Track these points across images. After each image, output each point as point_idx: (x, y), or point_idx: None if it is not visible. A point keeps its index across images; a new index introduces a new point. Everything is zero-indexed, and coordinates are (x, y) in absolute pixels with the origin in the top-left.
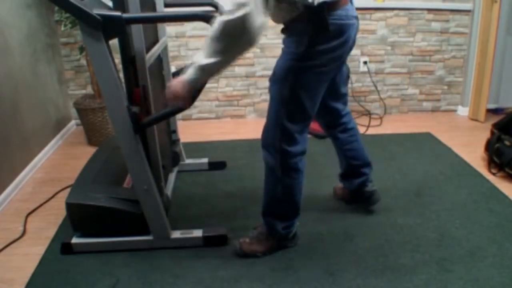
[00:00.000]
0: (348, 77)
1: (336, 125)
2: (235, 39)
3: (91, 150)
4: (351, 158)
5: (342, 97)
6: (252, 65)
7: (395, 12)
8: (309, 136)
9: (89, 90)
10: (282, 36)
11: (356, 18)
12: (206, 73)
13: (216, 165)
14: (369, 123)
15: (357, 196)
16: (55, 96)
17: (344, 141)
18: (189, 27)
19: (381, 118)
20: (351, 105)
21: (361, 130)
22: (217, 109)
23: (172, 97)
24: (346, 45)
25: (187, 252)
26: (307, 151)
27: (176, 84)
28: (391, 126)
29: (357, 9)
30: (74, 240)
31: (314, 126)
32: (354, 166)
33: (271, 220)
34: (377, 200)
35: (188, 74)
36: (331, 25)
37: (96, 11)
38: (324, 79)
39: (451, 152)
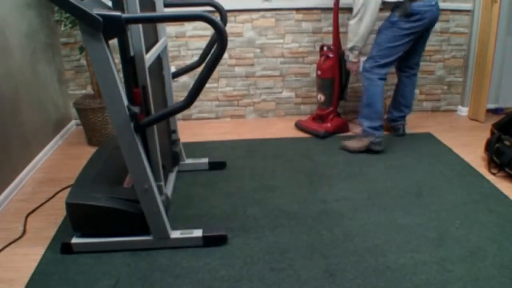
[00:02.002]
0: (348, 77)
1: (403, 70)
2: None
3: (91, 150)
4: (400, 95)
5: (413, 64)
6: (252, 65)
7: None
8: (309, 136)
9: (89, 90)
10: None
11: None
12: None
13: (216, 165)
14: None
15: (391, 124)
16: (55, 96)
17: (403, 82)
18: (189, 27)
19: None
20: (352, 104)
21: None
22: (217, 109)
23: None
24: (418, 22)
25: (187, 252)
26: (384, 79)
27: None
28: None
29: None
30: (74, 240)
31: (314, 126)
32: (399, 102)
33: (362, 120)
34: (401, 133)
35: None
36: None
37: (96, 11)
38: (401, 39)
39: (451, 152)
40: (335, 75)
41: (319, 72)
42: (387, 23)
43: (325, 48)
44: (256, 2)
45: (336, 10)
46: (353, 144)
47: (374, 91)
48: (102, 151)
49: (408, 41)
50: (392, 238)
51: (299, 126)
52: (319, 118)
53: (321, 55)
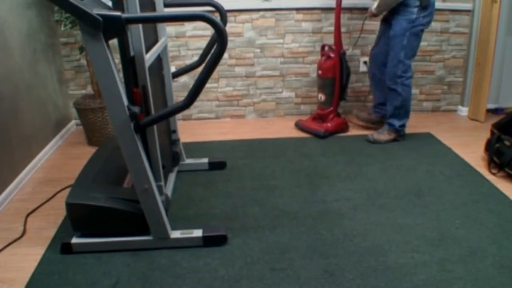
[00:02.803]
0: (348, 77)
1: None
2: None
3: (91, 150)
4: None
5: None
6: (252, 65)
7: None
8: (309, 136)
9: (89, 90)
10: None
11: None
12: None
13: (216, 165)
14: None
15: (381, 118)
16: (55, 96)
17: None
18: (189, 27)
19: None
20: (352, 104)
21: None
22: (217, 109)
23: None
24: (430, 16)
25: (187, 252)
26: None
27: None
28: None
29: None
30: (74, 240)
31: (314, 125)
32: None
33: (393, 120)
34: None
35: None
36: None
37: (96, 11)
38: (421, 34)
39: (451, 152)
40: (336, 75)
41: (320, 72)
42: (406, 24)
43: (326, 48)
44: (256, 2)
45: (339, 10)
46: (383, 137)
47: (407, 94)
48: (102, 151)
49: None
50: (392, 238)
51: (299, 126)
52: (319, 117)
53: (322, 55)
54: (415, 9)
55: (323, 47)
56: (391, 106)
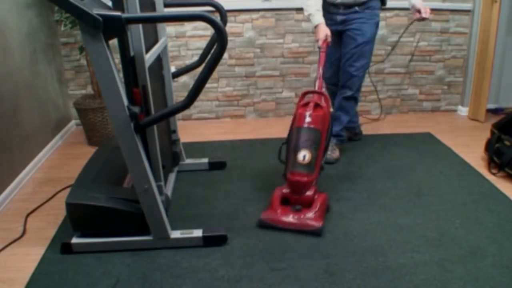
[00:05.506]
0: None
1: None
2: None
3: (91, 150)
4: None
5: None
6: (252, 65)
7: (395, 12)
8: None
9: (89, 90)
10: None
11: None
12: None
13: (216, 165)
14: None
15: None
16: (55, 96)
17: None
18: (189, 27)
19: (378, 118)
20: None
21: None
22: (217, 109)
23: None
24: None
25: (187, 252)
26: None
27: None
28: (391, 126)
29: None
30: (74, 240)
31: (298, 221)
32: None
33: (342, 132)
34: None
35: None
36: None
37: (96, 11)
38: None
39: (451, 152)
40: (324, 129)
41: (308, 120)
42: (375, 29)
43: (310, 95)
44: (256, 2)
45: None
46: (336, 155)
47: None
48: (102, 151)
49: None
50: (392, 238)
51: (269, 224)
52: (295, 193)
53: (305, 103)
54: (379, 12)
55: (305, 93)
56: (346, 117)
